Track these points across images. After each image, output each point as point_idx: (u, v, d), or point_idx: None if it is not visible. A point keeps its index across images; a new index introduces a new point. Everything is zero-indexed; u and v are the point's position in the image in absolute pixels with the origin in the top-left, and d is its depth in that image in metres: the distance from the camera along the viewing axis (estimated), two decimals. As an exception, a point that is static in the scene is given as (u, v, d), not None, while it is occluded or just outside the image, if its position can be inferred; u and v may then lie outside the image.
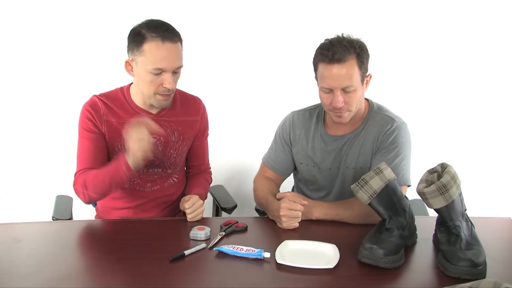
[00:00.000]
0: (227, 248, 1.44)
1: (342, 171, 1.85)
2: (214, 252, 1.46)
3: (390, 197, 1.45)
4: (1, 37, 2.44)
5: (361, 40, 1.73)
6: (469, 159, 2.74)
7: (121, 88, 1.83)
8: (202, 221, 1.69)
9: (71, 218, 1.90)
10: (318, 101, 1.97)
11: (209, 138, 2.00)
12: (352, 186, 1.46)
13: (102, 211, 1.94)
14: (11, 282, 1.27)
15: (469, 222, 1.47)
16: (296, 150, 1.92)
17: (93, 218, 1.98)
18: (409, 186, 1.77)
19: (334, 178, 1.87)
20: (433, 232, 1.55)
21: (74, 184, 1.73)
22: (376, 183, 1.42)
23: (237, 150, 2.72)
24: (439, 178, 1.41)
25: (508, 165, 2.84)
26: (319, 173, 1.89)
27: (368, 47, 1.74)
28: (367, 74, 1.76)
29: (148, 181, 1.85)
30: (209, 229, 1.56)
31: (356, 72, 1.68)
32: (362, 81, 1.73)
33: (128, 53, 1.70)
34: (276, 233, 1.63)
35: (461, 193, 1.44)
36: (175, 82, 1.72)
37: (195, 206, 1.68)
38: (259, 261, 1.41)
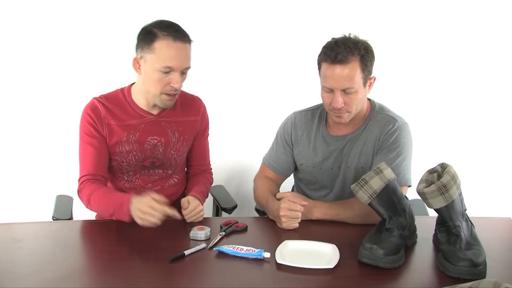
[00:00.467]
0: (227, 248, 1.44)
1: (343, 171, 1.85)
2: (214, 252, 1.46)
3: (390, 197, 1.45)
4: (2, 38, 2.43)
5: (368, 41, 1.72)
6: (469, 159, 2.74)
7: (122, 89, 1.83)
8: (202, 221, 1.69)
9: (71, 218, 1.90)
10: (319, 101, 1.98)
11: (210, 138, 2.00)
12: (352, 186, 1.46)
13: (102, 211, 1.94)
14: (11, 282, 1.27)
15: (469, 222, 1.47)
16: (298, 150, 1.92)
17: (93, 218, 1.98)
18: (409, 186, 1.77)
19: (335, 178, 1.87)
20: (433, 232, 1.55)
21: (79, 192, 1.74)
22: (376, 183, 1.42)
23: (237, 150, 2.72)
24: (439, 178, 1.41)
25: (508, 165, 2.84)
26: (320, 173, 1.89)
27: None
28: (371, 76, 1.75)
29: (149, 181, 1.85)
30: (209, 229, 1.56)
31: (358, 74, 1.68)
32: (365, 83, 1.72)
33: (136, 51, 1.70)
34: (276, 233, 1.63)
35: (461, 193, 1.44)
36: (182, 82, 1.72)
37: (194, 212, 1.67)
38: (259, 261, 1.41)
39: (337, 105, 1.70)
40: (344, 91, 1.69)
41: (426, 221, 1.66)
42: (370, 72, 1.73)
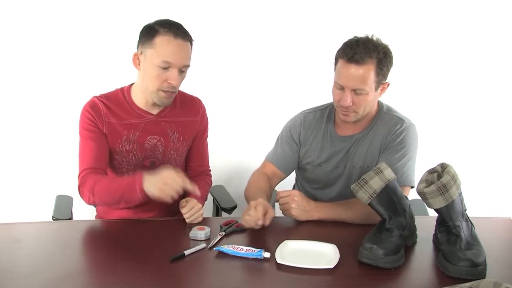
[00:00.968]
0: (227, 248, 1.44)
1: (348, 169, 1.86)
2: (214, 252, 1.46)
3: (390, 197, 1.45)
4: (2, 37, 2.43)
5: (388, 46, 1.72)
6: (469, 159, 2.75)
7: (122, 89, 1.83)
8: (202, 221, 1.68)
9: (71, 218, 1.90)
10: (319, 101, 1.98)
11: (209, 139, 2.00)
12: (352, 186, 1.46)
13: (102, 211, 1.93)
14: (11, 282, 1.27)
15: (469, 222, 1.47)
16: (305, 149, 1.92)
17: (93, 218, 1.98)
18: (412, 187, 1.77)
19: (339, 177, 1.88)
20: (433, 232, 1.55)
21: (80, 186, 1.72)
22: (376, 183, 1.42)
23: (237, 150, 2.72)
24: (439, 178, 1.41)
25: (508, 165, 2.84)
26: (325, 172, 1.90)
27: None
28: (385, 81, 1.75)
29: (149, 181, 1.85)
30: (209, 229, 1.56)
31: (371, 77, 1.67)
32: (377, 87, 1.72)
33: (138, 47, 1.71)
34: (276, 233, 1.63)
35: (461, 193, 1.44)
36: (180, 81, 1.72)
37: (193, 211, 1.67)
38: (259, 261, 1.41)
39: (345, 103, 1.70)
40: (355, 91, 1.69)
41: (426, 221, 1.66)
42: (385, 77, 1.73)
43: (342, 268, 1.38)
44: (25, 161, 2.57)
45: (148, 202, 1.85)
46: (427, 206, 1.41)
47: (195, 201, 1.69)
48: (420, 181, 1.46)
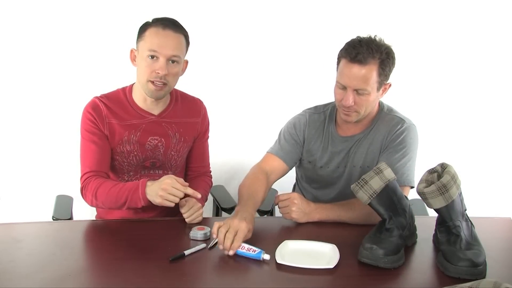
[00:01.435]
0: None
1: (348, 169, 1.86)
2: (214, 252, 1.46)
3: (390, 197, 1.45)
4: (2, 37, 2.43)
5: (391, 47, 1.72)
6: (469, 159, 2.74)
7: (123, 89, 1.83)
8: (202, 221, 1.68)
9: (71, 218, 1.90)
10: (319, 102, 1.98)
11: (210, 139, 2.00)
12: (352, 186, 1.46)
13: (102, 211, 1.93)
14: (11, 282, 1.27)
15: (469, 222, 1.47)
16: (307, 149, 1.92)
17: (93, 218, 1.98)
18: (412, 187, 1.77)
19: (340, 177, 1.88)
20: (433, 232, 1.55)
21: (83, 189, 1.73)
22: (376, 183, 1.42)
23: (237, 150, 2.72)
24: (439, 178, 1.41)
25: (508, 165, 2.84)
26: (326, 172, 1.90)
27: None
28: (387, 82, 1.75)
29: (149, 182, 1.85)
30: (209, 229, 1.56)
31: (373, 77, 1.68)
32: (379, 87, 1.72)
33: (136, 45, 1.75)
34: (276, 233, 1.63)
35: (461, 193, 1.44)
36: (172, 74, 1.70)
37: (192, 210, 1.67)
38: (259, 261, 1.41)
39: (347, 103, 1.70)
40: (357, 91, 1.69)
41: (426, 221, 1.66)
42: (387, 77, 1.73)
43: (342, 268, 1.38)
44: (25, 161, 2.57)
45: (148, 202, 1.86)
46: (427, 206, 1.41)
47: (194, 200, 1.69)
48: (420, 181, 1.46)
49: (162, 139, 1.81)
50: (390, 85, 1.78)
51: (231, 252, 1.41)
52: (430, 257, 1.49)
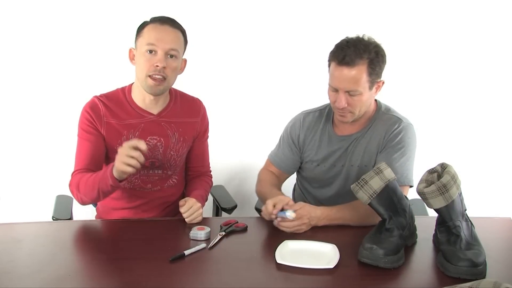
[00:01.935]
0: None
1: (346, 168, 1.86)
2: (214, 252, 1.46)
3: (390, 197, 1.45)
4: (1, 37, 2.43)
5: (380, 45, 1.72)
6: (469, 159, 2.74)
7: (122, 89, 1.83)
8: (202, 221, 1.68)
9: (71, 218, 1.90)
10: (319, 102, 1.98)
11: (210, 139, 2.00)
12: (352, 186, 1.46)
13: (102, 211, 1.94)
14: (11, 282, 1.27)
15: (469, 222, 1.47)
16: (304, 150, 1.94)
17: (93, 218, 1.98)
18: (411, 186, 1.77)
19: (337, 176, 1.89)
20: (433, 232, 1.55)
21: (70, 185, 1.74)
22: (376, 183, 1.42)
23: (237, 150, 2.72)
24: (439, 178, 1.41)
25: (508, 165, 2.84)
26: (323, 171, 1.90)
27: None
28: (379, 80, 1.75)
29: (149, 182, 1.85)
30: (209, 229, 1.56)
31: (364, 77, 1.68)
32: (371, 86, 1.72)
33: (134, 45, 1.76)
34: (276, 233, 1.63)
35: (461, 193, 1.44)
36: (171, 68, 1.71)
37: (192, 210, 1.67)
38: (259, 261, 1.42)
39: (340, 105, 1.72)
40: (349, 93, 1.70)
41: (426, 221, 1.66)
42: (378, 75, 1.73)
43: (342, 268, 1.37)
44: (25, 161, 2.57)
45: (148, 202, 1.86)
46: (427, 206, 1.41)
47: (194, 200, 1.69)
48: (420, 181, 1.46)
49: (161, 139, 1.81)
50: (383, 83, 1.78)
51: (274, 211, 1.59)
52: (430, 257, 1.49)
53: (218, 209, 2.17)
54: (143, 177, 1.83)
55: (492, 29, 2.67)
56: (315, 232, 1.61)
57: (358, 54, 1.66)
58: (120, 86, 1.85)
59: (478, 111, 2.79)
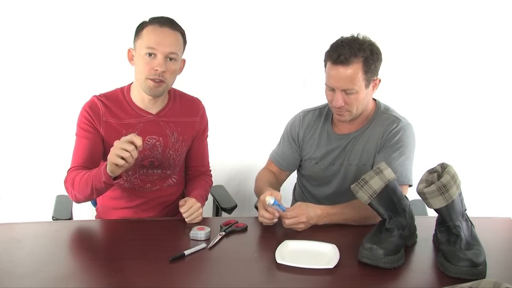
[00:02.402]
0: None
1: (344, 167, 1.87)
2: (214, 252, 1.46)
3: (390, 197, 1.45)
4: (1, 37, 2.43)
5: (375, 43, 1.73)
6: (469, 159, 2.74)
7: (121, 89, 1.83)
8: (202, 221, 1.69)
9: (71, 218, 1.90)
10: (319, 101, 1.99)
11: (209, 139, 2.00)
12: (352, 186, 1.46)
13: (102, 211, 1.94)
14: (11, 282, 1.27)
15: (469, 222, 1.47)
16: (304, 148, 1.95)
17: (93, 218, 1.98)
18: (410, 186, 1.78)
19: (336, 174, 1.89)
20: (433, 232, 1.55)
21: (65, 181, 1.73)
22: (376, 183, 1.42)
23: (237, 150, 2.72)
24: (439, 178, 1.41)
25: (508, 165, 2.84)
26: (322, 169, 1.91)
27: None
28: (375, 78, 1.76)
29: (148, 181, 1.85)
30: (209, 229, 1.56)
31: (359, 76, 1.69)
32: (367, 84, 1.74)
33: (133, 45, 1.75)
34: (276, 233, 1.63)
35: (461, 193, 1.44)
36: (170, 71, 1.71)
37: (191, 210, 1.67)
38: (259, 261, 1.42)
39: (337, 104, 1.73)
40: (345, 91, 1.72)
41: (426, 221, 1.66)
42: (374, 74, 1.74)
43: (342, 268, 1.38)
44: (25, 161, 2.57)
45: (148, 202, 1.86)
46: (427, 206, 1.41)
47: (193, 200, 1.69)
48: (420, 181, 1.46)
49: (160, 139, 1.81)
50: (380, 81, 1.79)
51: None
52: (430, 257, 1.49)
53: (218, 209, 2.17)
54: (142, 176, 1.83)
55: (491, 29, 2.67)
56: (315, 232, 1.61)
57: (352, 52, 1.68)
58: (119, 86, 1.85)
59: (478, 111, 2.78)
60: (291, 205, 1.71)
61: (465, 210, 1.47)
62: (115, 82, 1.87)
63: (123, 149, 1.46)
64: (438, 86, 2.75)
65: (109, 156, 1.49)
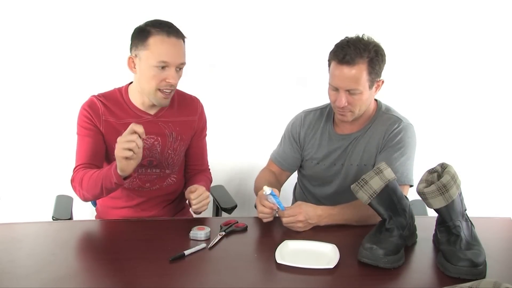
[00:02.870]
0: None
1: (346, 167, 1.87)
2: (214, 252, 1.46)
3: (390, 197, 1.45)
4: (1, 38, 2.43)
5: (380, 44, 1.74)
6: (469, 159, 2.74)
7: (119, 89, 1.83)
8: (202, 221, 1.69)
9: (71, 218, 1.90)
10: (319, 101, 1.99)
11: (209, 139, 2.00)
12: (352, 186, 1.46)
13: (102, 211, 1.94)
14: (11, 282, 1.27)
15: (469, 222, 1.47)
16: (305, 148, 1.95)
17: (93, 218, 1.98)
18: (411, 186, 1.78)
19: (337, 174, 1.90)
20: (433, 232, 1.55)
21: (72, 181, 1.73)
22: (376, 183, 1.42)
23: (237, 150, 2.72)
24: (439, 178, 1.41)
25: (508, 165, 2.84)
26: (323, 170, 1.92)
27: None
28: (379, 79, 1.77)
29: (147, 181, 1.85)
30: (209, 229, 1.56)
31: (364, 77, 1.70)
32: (371, 85, 1.74)
33: (131, 50, 1.72)
34: (276, 233, 1.63)
35: (461, 193, 1.44)
36: (179, 80, 1.72)
37: (201, 198, 1.67)
38: (259, 261, 1.41)
39: (340, 104, 1.73)
40: (349, 92, 1.72)
41: (426, 221, 1.66)
42: (378, 75, 1.75)
43: (342, 268, 1.38)
44: (25, 161, 2.57)
45: (147, 201, 1.86)
46: (427, 206, 1.41)
47: (204, 188, 1.70)
48: (420, 181, 1.46)
49: (159, 138, 1.81)
50: (383, 82, 1.80)
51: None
52: (430, 257, 1.49)
53: (218, 209, 2.16)
54: (142, 176, 1.83)
55: (492, 29, 2.67)
56: (315, 232, 1.61)
57: (358, 53, 1.68)
58: (116, 86, 1.84)
59: (478, 111, 2.78)
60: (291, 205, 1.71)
61: (465, 210, 1.47)
62: (113, 82, 1.86)
63: (127, 141, 1.47)
64: (438, 87, 2.75)
65: (116, 152, 1.50)
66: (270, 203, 1.62)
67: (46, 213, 1.92)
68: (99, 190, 1.64)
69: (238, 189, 2.70)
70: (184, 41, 1.72)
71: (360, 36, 1.73)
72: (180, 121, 1.86)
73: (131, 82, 1.82)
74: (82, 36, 2.47)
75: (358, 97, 1.72)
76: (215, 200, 2.19)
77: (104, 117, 1.76)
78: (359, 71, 1.69)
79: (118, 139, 1.50)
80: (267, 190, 1.58)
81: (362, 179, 1.44)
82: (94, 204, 2.03)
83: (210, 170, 2.04)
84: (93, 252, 1.51)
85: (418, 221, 1.58)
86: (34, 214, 2.00)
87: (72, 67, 2.50)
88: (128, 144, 1.47)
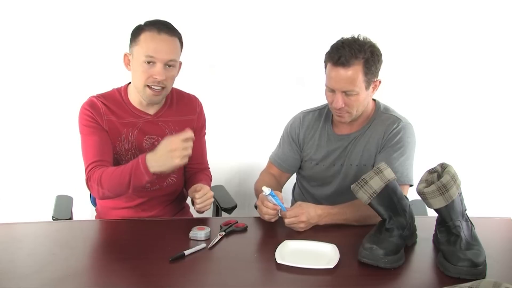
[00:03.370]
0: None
1: (345, 168, 1.87)
2: (214, 252, 1.46)
3: (390, 197, 1.45)
4: (0, 37, 2.43)
5: (375, 44, 1.73)
6: (469, 159, 2.74)
7: (118, 89, 1.83)
8: (202, 221, 1.69)
9: (71, 218, 1.90)
10: (319, 101, 1.99)
11: (209, 138, 2.00)
12: (352, 186, 1.46)
13: (102, 211, 1.94)
14: (11, 282, 1.27)
15: (469, 222, 1.47)
16: (304, 148, 1.95)
17: (93, 218, 1.98)
18: (411, 185, 1.78)
19: (336, 175, 1.89)
20: (433, 232, 1.55)
21: (88, 180, 1.70)
22: (376, 183, 1.42)
23: (237, 150, 2.72)
24: (439, 178, 1.41)
25: (508, 165, 2.84)
26: (322, 170, 1.91)
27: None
28: (376, 79, 1.77)
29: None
30: (209, 229, 1.56)
31: (360, 77, 1.70)
32: (368, 86, 1.74)
33: (129, 48, 1.74)
34: (276, 233, 1.63)
35: (461, 193, 1.44)
36: (169, 78, 1.71)
37: (206, 197, 1.68)
38: (259, 261, 1.42)
39: (337, 105, 1.74)
40: (345, 93, 1.72)
41: (426, 221, 1.66)
42: (374, 75, 1.74)
43: (342, 268, 1.38)
44: (25, 161, 2.57)
45: (148, 201, 1.86)
46: (427, 206, 1.41)
47: (208, 188, 1.71)
48: (420, 181, 1.46)
49: (159, 138, 1.81)
50: (380, 82, 1.80)
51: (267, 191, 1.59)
52: (430, 257, 1.49)
53: (218, 209, 2.16)
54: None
55: (491, 29, 2.67)
56: (315, 232, 1.61)
57: (353, 54, 1.68)
58: (115, 86, 1.84)
59: (478, 111, 2.78)
60: (291, 206, 1.71)
61: (465, 210, 1.47)
62: (112, 82, 1.87)
63: (185, 148, 1.52)
64: (438, 86, 2.75)
65: (176, 162, 1.53)
66: (271, 203, 1.62)
67: (46, 213, 1.92)
68: (124, 188, 1.63)
69: (238, 189, 2.69)
70: (180, 40, 1.72)
71: (356, 36, 1.73)
72: (180, 120, 1.86)
73: (130, 82, 1.82)
74: (82, 36, 2.47)
75: (354, 98, 1.72)
76: (215, 200, 2.19)
77: (106, 116, 1.76)
78: (354, 72, 1.69)
79: (170, 147, 1.53)
80: (266, 190, 1.58)
81: (362, 179, 1.43)
82: (94, 204, 2.03)
83: (210, 170, 2.04)
84: (93, 252, 1.51)
85: (418, 221, 1.58)
86: (34, 214, 2.00)
87: (71, 68, 2.50)
88: (187, 151, 1.52)
